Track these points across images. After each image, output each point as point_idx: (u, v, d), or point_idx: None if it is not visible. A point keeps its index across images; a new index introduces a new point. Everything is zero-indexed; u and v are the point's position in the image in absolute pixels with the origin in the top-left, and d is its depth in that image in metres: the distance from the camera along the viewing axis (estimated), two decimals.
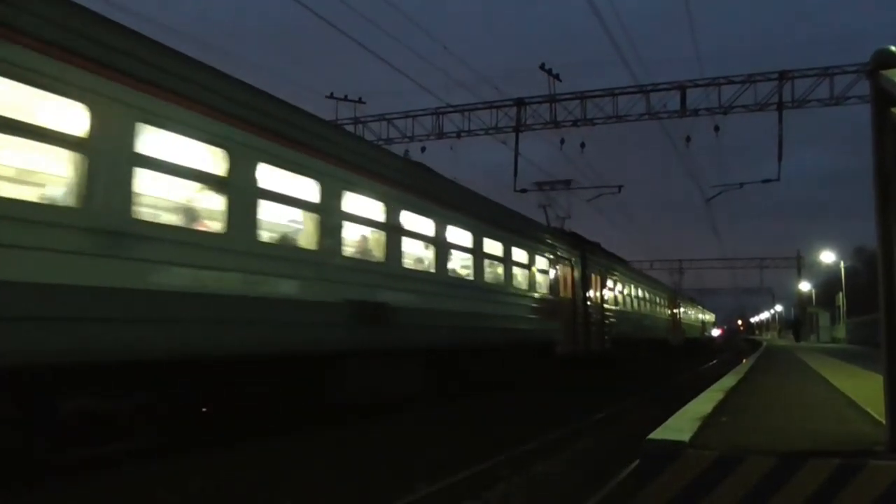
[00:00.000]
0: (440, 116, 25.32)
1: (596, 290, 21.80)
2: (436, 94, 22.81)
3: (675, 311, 42.21)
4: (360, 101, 26.40)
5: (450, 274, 12.14)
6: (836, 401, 6.77)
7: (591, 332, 20.34)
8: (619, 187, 28.18)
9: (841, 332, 46.62)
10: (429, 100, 25.92)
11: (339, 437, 8.21)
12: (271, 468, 6.68)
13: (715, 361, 35.61)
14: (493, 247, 13.91)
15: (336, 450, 7.61)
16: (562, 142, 25.71)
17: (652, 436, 4.08)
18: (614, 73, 27.79)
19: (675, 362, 32.08)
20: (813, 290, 66.27)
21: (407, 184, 10.30)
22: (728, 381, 9.54)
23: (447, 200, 11.98)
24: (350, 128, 24.32)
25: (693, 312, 57.54)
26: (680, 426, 4.58)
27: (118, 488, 5.62)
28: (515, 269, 15.13)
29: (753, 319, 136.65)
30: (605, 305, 22.73)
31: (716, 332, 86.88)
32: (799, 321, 58.89)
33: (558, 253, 18.17)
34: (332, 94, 26.45)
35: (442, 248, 11.66)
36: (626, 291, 26.69)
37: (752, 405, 6.49)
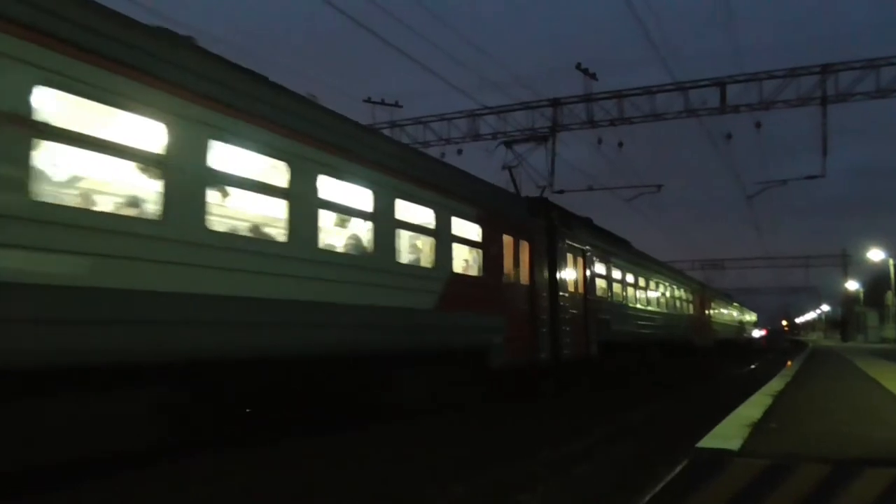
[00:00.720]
0: (476, 118, 25.29)
1: (574, 276, 15.63)
2: (471, 96, 22.76)
3: (703, 308, 36.64)
4: (396, 104, 26.52)
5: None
6: (889, 405, 6.57)
7: (562, 333, 14.02)
8: (659, 186, 27.75)
9: (891, 332, 45.29)
10: (464, 102, 25.90)
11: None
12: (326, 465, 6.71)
13: (753, 366, 29.17)
14: (346, 194, 8.19)
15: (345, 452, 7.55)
16: (599, 141, 25.45)
17: (701, 444, 4.01)
18: (651, 70, 27.44)
19: (698, 369, 25.54)
20: (860, 289, 64.49)
21: None
22: (776, 384, 9.33)
23: None
24: (387, 131, 24.45)
25: (729, 311, 52.45)
26: (729, 433, 4.49)
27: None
28: (409, 236, 9.81)
29: (798, 319, 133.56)
30: (591, 297, 16.51)
31: (758, 333, 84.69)
32: (846, 321, 57.34)
33: (503, 220, 12.11)
34: (369, 98, 26.62)
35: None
36: (626, 281, 20.55)
37: (802, 410, 6.33)
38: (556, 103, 24.91)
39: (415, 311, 9.27)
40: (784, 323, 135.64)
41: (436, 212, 9.92)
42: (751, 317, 72.52)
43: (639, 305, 21.75)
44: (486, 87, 25.57)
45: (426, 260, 10.06)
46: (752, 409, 6.04)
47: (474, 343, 10.88)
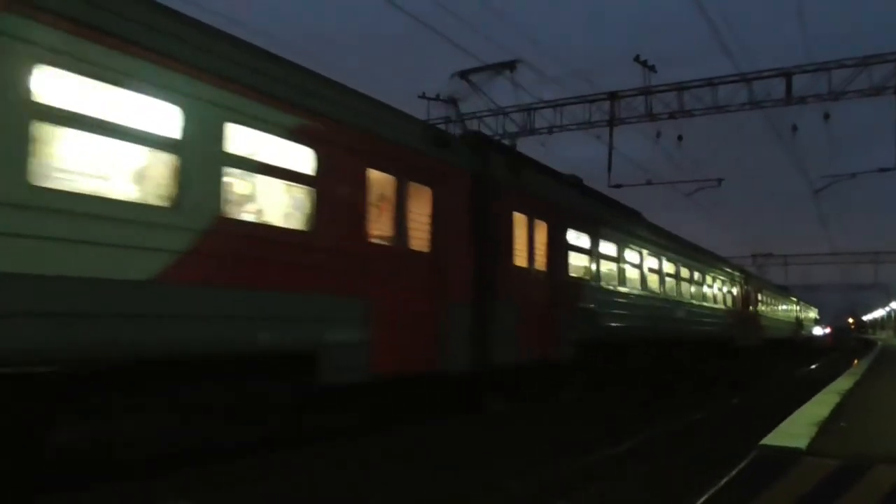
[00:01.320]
0: (531, 112, 25.09)
1: (530, 248, 11.32)
2: (527, 90, 22.58)
3: (748, 301, 30.91)
4: (452, 100, 26.52)
5: None
6: None
7: (498, 327, 10.07)
8: (720, 180, 27.07)
9: None
10: (520, 95, 25.75)
11: None
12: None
13: (814, 366, 26.76)
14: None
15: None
16: (658, 135, 24.95)
17: (765, 441, 3.91)
18: (713, 61, 26.71)
19: (733, 375, 21.67)
20: None
21: None
22: (843, 383, 9.02)
23: None
24: (442, 127, 24.49)
25: (783, 305, 46.34)
26: (795, 431, 4.36)
27: None
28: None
29: (866, 317, 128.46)
30: (561, 278, 12.18)
31: (820, 331, 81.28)
32: None
33: (371, 148, 7.93)
34: (423, 93, 26.69)
35: None
36: (625, 258, 15.62)
37: (873, 409, 6.11)
38: (613, 96, 24.51)
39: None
40: (850, 320, 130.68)
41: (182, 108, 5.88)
42: (810, 313, 66.39)
43: (642, 292, 16.92)
44: (543, 81, 25.34)
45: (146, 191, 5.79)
46: (819, 407, 5.86)
47: (290, 342, 6.80)
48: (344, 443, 7.13)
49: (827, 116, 23.38)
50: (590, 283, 13.69)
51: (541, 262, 11.69)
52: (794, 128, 24.24)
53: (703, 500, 3.56)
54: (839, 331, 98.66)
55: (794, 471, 3.55)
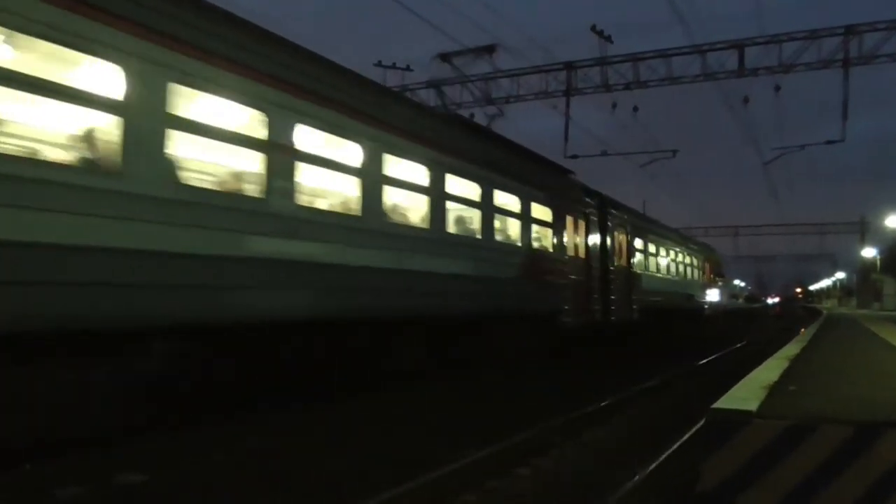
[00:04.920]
0: (488, 82, 24.93)
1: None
2: (484, 59, 22.39)
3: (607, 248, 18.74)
4: (408, 68, 26.17)
5: None
6: None
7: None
8: (674, 152, 27.41)
9: None
10: (477, 65, 25.52)
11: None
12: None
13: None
14: None
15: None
16: (614, 106, 25.10)
17: (717, 405, 3.95)
18: (668, 33, 26.88)
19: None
20: (878, 257, 63.87)
21: None
22: (791, 349, 9.24)
23: None
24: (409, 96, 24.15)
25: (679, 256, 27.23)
26: (746, 395, 4.42)
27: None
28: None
29: (813, 287, 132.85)
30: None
31: (715, 296, 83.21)
32: (861, 288, 56.96)
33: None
34: (380, 62, 26.27)
35: None
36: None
37: (819, 373, 6.25)
38: (570, 66, 24.52)
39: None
40: (798, 290, 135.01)
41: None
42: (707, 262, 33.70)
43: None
44: (500, 51, 25.15)
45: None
46: (769, 372, 5.96)
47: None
48: None
49: (778, 89, 23.81)
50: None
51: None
52: (746, 100, 24.61)
53: (658, 461, 3.62)
54: (787, 301, 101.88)
55: (745, 432, 3.58)
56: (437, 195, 10.21)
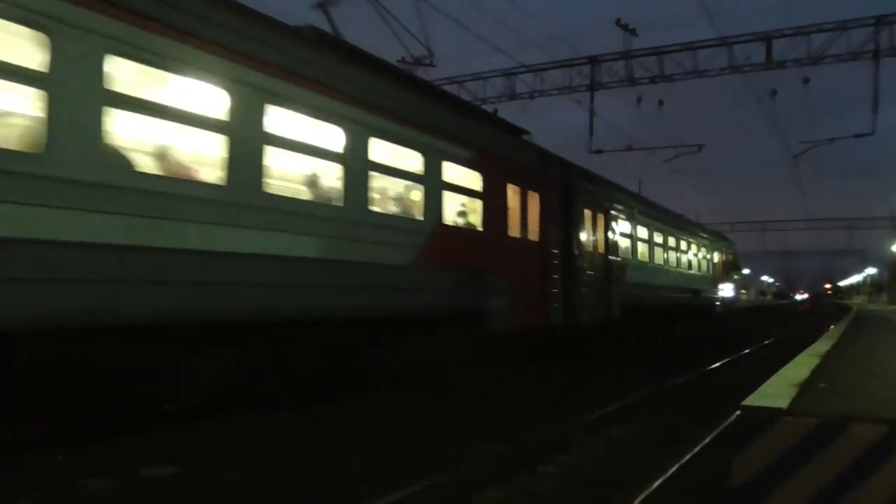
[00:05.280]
0: (512, 77, 24.87)
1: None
2: (508, 54, 22.33)
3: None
4: (430, 64, 26.15)
5: None
6: None
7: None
8: (700, 146, 27.13)
9: None
10: (500, 60, 25.50)
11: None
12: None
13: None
14: None
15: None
16: (638, 100, 24.91)
17: (747, 402, 3.90)
18: (694, 25, 26.58)
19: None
20: None
21: None
22: (821, 346, 9.11)
23: None
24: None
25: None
26: (776, 392, 4.37)
27: None
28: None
29: (842, 283, 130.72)
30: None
31: (730, 292, 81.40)
32: (892, 284, 55.89)
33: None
34: (402, 58, 26.28)
35: None
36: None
37: (850, 371, 6.15)
38: (594, 61, 24.36)
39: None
40: (827, 286, 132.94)
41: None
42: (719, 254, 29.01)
43: None
44: (524, 46, 25.11)
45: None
46: (799, 369, 5.88)
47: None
48: None
49: (806, 81, 23.42)
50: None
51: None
52: (774, 92, 24.29)
53: (688, 457, 3.59)
54: (816, 297, 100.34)
55: (775, 429, 3.53)
56: (242, 133, 6.76)
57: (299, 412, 7.20)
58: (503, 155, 11.60)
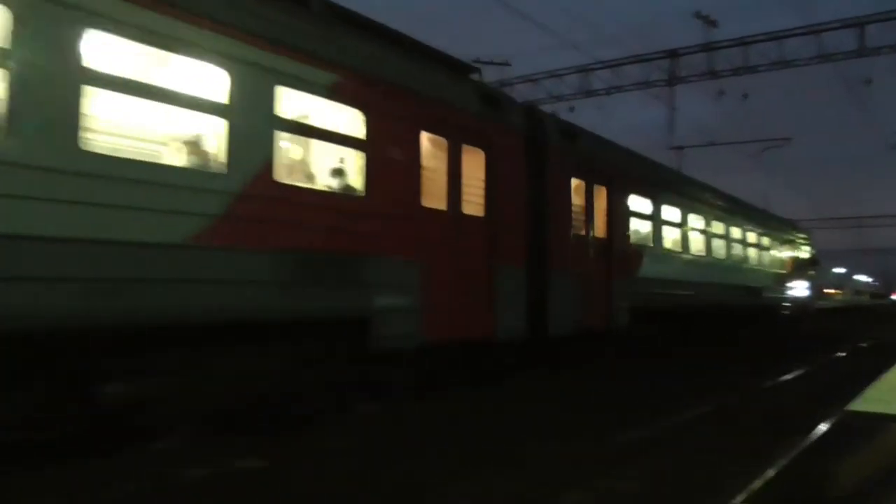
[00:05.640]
0: (588, 74, 24.51)
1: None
2: (584, 51, 22.06)
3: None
4: (506, 63, 26.11)
5: None
6: None
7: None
8: (787, 139, 26.05)
9: None
10: (577, 57, 25.18)
11: None
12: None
13: None
14: None
15: None
16: (721, 94, 24.13)
17: (852, 407, 3.69)
18: (779, 13, 25.52)
19: None
20: None
21: None
22: None
23: None
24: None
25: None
26: (884, 397, 4.12)
27: None
28: None
29: None
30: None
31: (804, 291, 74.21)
32: None
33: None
34: (477, 58, 26.32)
35: None
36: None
37: None
38: (673, 54, 23.74)
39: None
40: None
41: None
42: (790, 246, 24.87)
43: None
44: (600, 41, 24.72)
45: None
46: None
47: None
48: None
49: None
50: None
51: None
52: (868, 81, 23.07)
53: (787, 460, 3.41)
54: None
55: (885, 436, 3.34)
56: None
57: None
58: (408, 88, 7.79)
